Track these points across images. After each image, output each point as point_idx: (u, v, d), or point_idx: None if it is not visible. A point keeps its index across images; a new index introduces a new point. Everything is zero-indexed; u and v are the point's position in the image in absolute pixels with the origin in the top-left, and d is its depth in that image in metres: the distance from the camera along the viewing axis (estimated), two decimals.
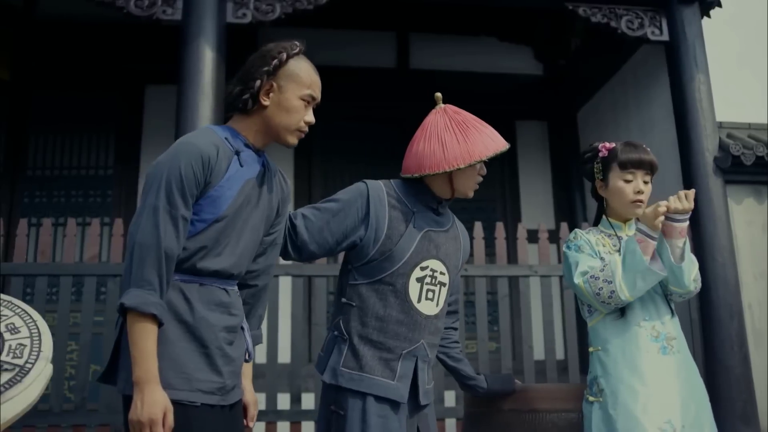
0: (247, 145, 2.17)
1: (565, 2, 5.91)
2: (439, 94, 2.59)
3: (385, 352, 2.37)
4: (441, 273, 2.49)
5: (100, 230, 5.20)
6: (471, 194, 2.54)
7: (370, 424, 2.28)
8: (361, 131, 7.89)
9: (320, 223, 2.40)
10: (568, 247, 2.83)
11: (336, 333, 2.42)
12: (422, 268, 2.44)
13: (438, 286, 2.48)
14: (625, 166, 2.79)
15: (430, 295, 2.45)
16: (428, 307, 2.45)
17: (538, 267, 5.51)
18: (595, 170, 2.88)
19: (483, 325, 5.34)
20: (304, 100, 2.19)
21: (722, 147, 5.71)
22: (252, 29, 6.87)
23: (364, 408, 2.30)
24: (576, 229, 2.89)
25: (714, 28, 6.26)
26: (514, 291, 5.75)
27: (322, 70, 2.34)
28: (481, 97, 6.85)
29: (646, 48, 6.58)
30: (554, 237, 6.24)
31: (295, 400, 5.05)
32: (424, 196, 2.51)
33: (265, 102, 2.15)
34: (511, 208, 8.19)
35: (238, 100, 2.15)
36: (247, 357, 2.21)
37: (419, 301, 2.42)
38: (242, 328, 2.18)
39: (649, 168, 2.81)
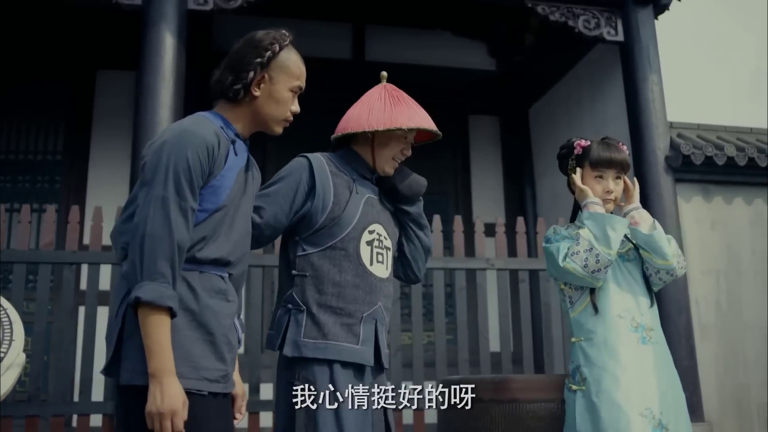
0: (237, 135, 2.19)
1: (525, 0, 5.99)
2: (384, 73, 2.65)
3: (346, 317, 2.38)
4: (384, 238, 2.53)
5: (56, 217, 5.10)
6: (390, 171, 2.55)
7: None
8: (316, 122, 7.80)
9: (274, 209, 2.39)
10: (548, 241, 2.91)
11: (290, 306, 2.39)
12: (370, 232, 2.48)
13: (384, 250, 2.52)
14: (596, 165, 2.88)
15: (380, 258, 2.50)
16: (380, 270, 2.49)
17: (495, 260, 5.60)
18: (569, 167, 2.96)
19: (440, 317, 5.41)
20: (292, 91, 2.23)
21: (673, 146, 5.88)
22: (208, 17, 6.81)
23: (333, 378, 2.30)
24: (554, 226, 2.99)
25: (662, 29, 6.41)
26: (470, 283, 5.82)
27: None
28: (435, 91, 6.90)
29: (601, 46, 6.70)
30: (510, 231, 6.33)
31: (254, 390, 5.04)
32: (357, 165, 2.55)
33: (256, 93, 2.17)
34: (462, 201, 8.28)
35: (230, 89, 2.15)
36: (238, 345, 2.20)
37: (371, 264, 2.46)
38: None
39: (620, 167, 2.90)
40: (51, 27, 7.31)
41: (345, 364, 2.33)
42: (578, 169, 2.93)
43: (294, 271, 2.42)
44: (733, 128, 6.65)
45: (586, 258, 2.73)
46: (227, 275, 2.13)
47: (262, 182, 2.41)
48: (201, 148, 1.99)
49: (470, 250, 6.52)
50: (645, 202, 5.76)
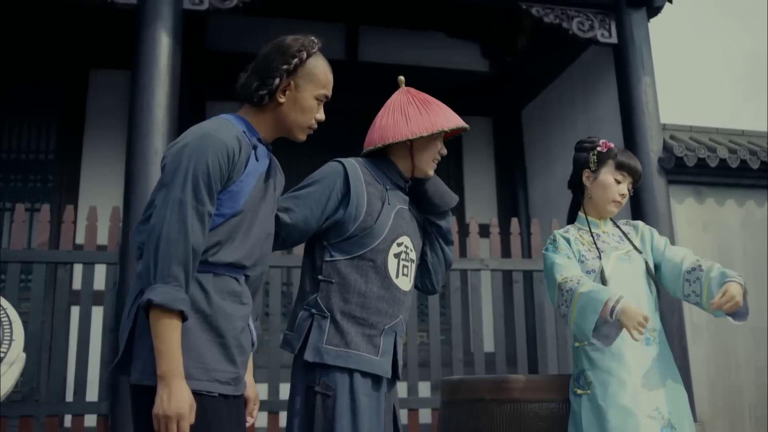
0: (259, 139, 2.18)
1: (519, 2, 6.01)
2: (402, 78, 2.66)
3: (368, 328, 2.38)
4: (411, 250, 2.54)
5: (50, 216, 5.08)
6: (431, 172, 2.56)
7: (359, 403, 2.29)
8: None
9: (305, 212, 2.39)
10: (546, 249, 2.98)
11: (314, 311, 2.38)
12: (398, 245, 2.48)
13: (410, 262, 2.53)
14: (621, 166, 2.97)
15: (405, 270, 2.50)
16: (404, 283, 2.50)
17: (489, 261, 5.61)
18: (590, 160, 3.01)
19: (435, 317, 5.42)
20: (318, 99, 2.22)
21: (666, 148, 5.92)
22: (202, 16, 6.81)
23: (353, 386, 2.31)
24: (555, 231, 3.01)
25: (655, 31, 6.46)
26: (464, 284, 5.84)
27: None
28: (428, 92, 6.76)
29: (594, 48, 6.73)
30: (504, 232, 6.35)
31: None
32: (391, 174, 2.55)
33: (282, 99, 2.16)
34: None
35: (255, 94, 2.14)
36: (252, 347, 2.20)
37: (397, 276, 2.46)
38: None
39: (638, 178, 3.00)
40: (45, 26, 7.28)
41: (364, 374, 2.34)
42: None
43: (320, 276, 2.42)
44: (726, 130, 6.69)
45: (561, 304, 2.79)
46: (243, 277, 2.12)
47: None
48: (221, 153, 1.99)
49: (464, 251, 6.54)
50: (638, 204, 5.80)
